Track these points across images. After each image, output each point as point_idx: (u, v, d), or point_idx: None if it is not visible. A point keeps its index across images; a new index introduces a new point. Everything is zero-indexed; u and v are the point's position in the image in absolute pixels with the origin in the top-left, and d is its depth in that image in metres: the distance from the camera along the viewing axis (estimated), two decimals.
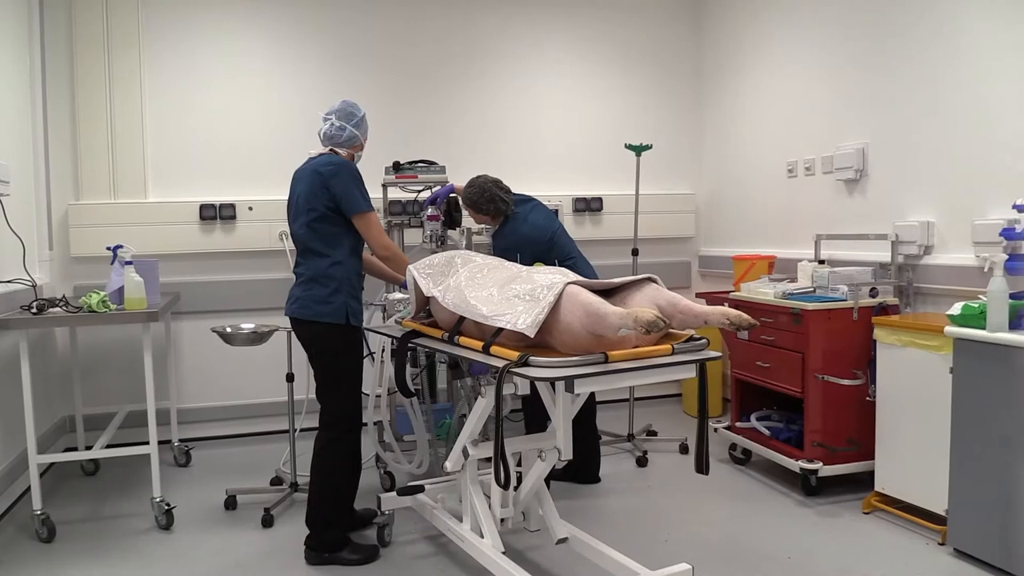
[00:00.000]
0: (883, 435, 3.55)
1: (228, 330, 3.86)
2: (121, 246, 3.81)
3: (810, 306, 3.70)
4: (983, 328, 2.95)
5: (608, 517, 3.63)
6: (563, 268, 2.88)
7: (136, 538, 3.50)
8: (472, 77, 5.41)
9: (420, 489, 3.35)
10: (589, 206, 5.56)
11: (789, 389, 3.87)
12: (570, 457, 2.63)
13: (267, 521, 3.59)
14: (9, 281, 3.77)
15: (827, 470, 3.70)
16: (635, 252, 4.78)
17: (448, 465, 2.94)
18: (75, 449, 4.44)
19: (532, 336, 2.38)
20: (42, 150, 4.58)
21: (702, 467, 2.58)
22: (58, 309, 3.59)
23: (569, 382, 2.26)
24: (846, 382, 3.66)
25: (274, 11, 5.06)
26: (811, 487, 3.77)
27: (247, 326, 3.89)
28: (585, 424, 3.86)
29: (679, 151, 5.84)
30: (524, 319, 2.42)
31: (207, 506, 3.83)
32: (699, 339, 2.53)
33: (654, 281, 2.65)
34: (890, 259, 3.90)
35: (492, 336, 2.56)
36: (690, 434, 4.77)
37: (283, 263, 4.90)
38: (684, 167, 5.89)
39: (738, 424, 4.32)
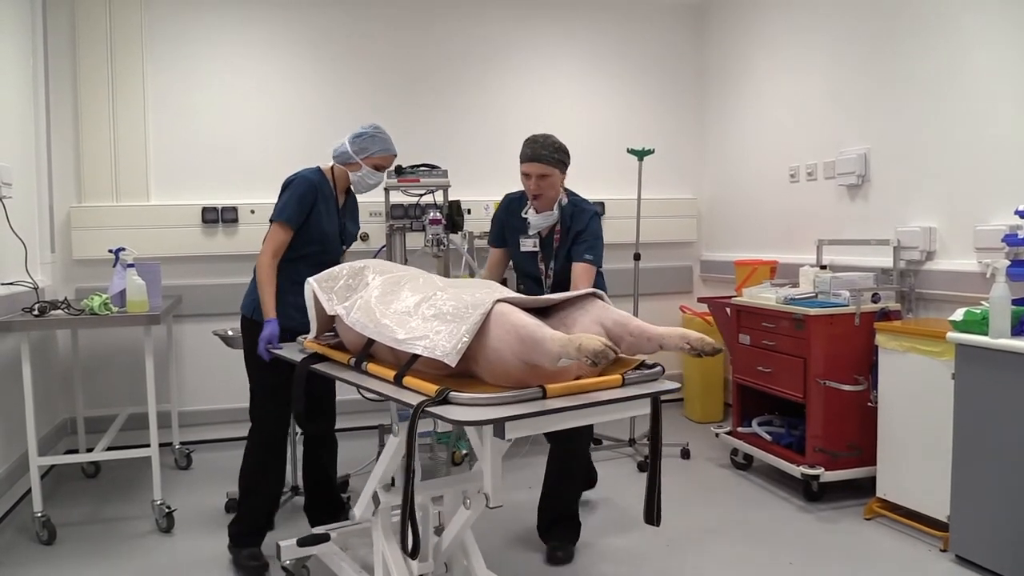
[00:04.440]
0: (885, 441, 3.55)
1: (230, 333, 3.86)
2: (123, 249, 3.81)
3: (812, 311, 3.70)
4: (985, 334, 2.94)
5: (608, 521, 3.62)
6: (491, 282, 2.53)
7: (137, 541, 3.49)
8: (474, 81, 5.41)
9: (325, 538, 2.93)
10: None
11: (791, 394, 3.87)
12: (500, 504, 2.20)
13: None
14: (11, 283, 3.77)
15: (828, 476, 3.69)
16: (637, 257, 4.78)
17: (356, 512, 2.59)
18: (76, 451, 4.44)
19: (453, 365, 2.03)
20: (44, 152, 4.59)
21: (652, 517, 2.25)
22: (60, 311, 3.59)
23: (499, 426, 1.89)
24: (848, 387, 3.66)
25: (276, 15, 5.06)
26: (812, 493, 3.76)
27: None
28: (574, 439, 3.31)
29: (681, 155, 5.84)
30: (444, 345, 2.06)
31: (208, 509, 3.83)
32: (652, 366, 2.19)
33: (599, 298, 2.30)
34: (892, 264, 3.90)
35: (407, 364, 2.18)
36: (692, 438, 4.76)
37: None
38: (686, 171, 5.89)
39: (739, 429, 4.31)
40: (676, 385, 2.19)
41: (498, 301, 2.09)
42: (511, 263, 3.52)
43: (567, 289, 3.09)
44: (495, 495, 2.20)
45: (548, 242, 3.31)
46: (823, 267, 4.23)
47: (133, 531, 3.60)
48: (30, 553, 3.37)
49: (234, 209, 4.92)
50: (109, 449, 3.87)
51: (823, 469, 3.69)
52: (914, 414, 3.38)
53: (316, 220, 3.14)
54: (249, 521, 3.20)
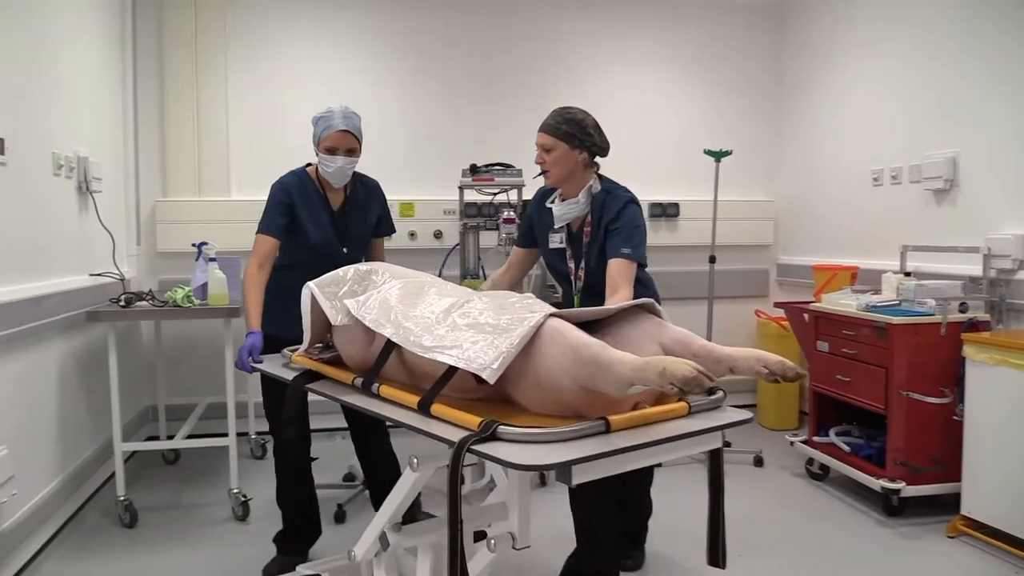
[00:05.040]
0: (971, 457, 3.41)
1: None
2: (205, 243, 3.91)
3: (895, 320, 3.58)
4: None
5: (680, 531, 3.57)
6: (529, 295, 2.13)
7: (213, 527, 3.59)
8: (551, 81, 5.40)
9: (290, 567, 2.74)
10: (665, 212, 5.49)
11: (871, 405, 3.75)
12: (528, 545, 1.96)
13: (339, 516, 3.64)
14: (100, 274, 3.91)
15: (910, 490, 3.57)
16: (712, 259, 4.70)
17: (356, 552, 2.29)
18: (157, 438, 4.58)
19: (492, 382, 1.73)
20: (132, 149, 4.75)
21: (717, 559, 1.98)
22: (145, 303, 3.71)
23: (565, 470, 1.56)
24: (932, 400, 3.53)
25: (354, 15, 5.13)
26: (892, 507, 3.64)
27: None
28: (624, 490, 2.90)
29: (758, 157, 5.72)
30: (481, 357, 1.75)
31: None
32: (714, 392, 1.89)
33: (653, 312, 1.99)
34: (981, 273, 3.75)
35: (435, 388, 1.85)
36: (765, 445, 4.65)
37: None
38: (763, 173, 5.77)
39: (816, 438, 4.20)
40: (749, 415, 1.90)
41: (551, 315, 1.80)
42: (544, 263, 3.12)
43: (600, 291, 2.69)
44: (523, 534, 1.98)
45: (577, 237, 2.87)
46: (907, 274, 4.09)
47: (210, 517, 3.70)
48: (113, 535, 3.49)
49: None
50: (189, 437, 3.98)
51: (904, 483, 3.57)
52: (1004, 430, 3.24)
53: (298, 225, 3.00)
54: (289, 531, 3.20)
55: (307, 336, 2.38)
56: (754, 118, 5.73)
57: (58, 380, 3.50)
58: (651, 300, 1.99)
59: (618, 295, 2.56)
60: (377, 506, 3.27)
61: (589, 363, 1.65)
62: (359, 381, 2.11)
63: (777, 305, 4.78)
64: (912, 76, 4.42)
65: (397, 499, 2.13)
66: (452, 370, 1.84)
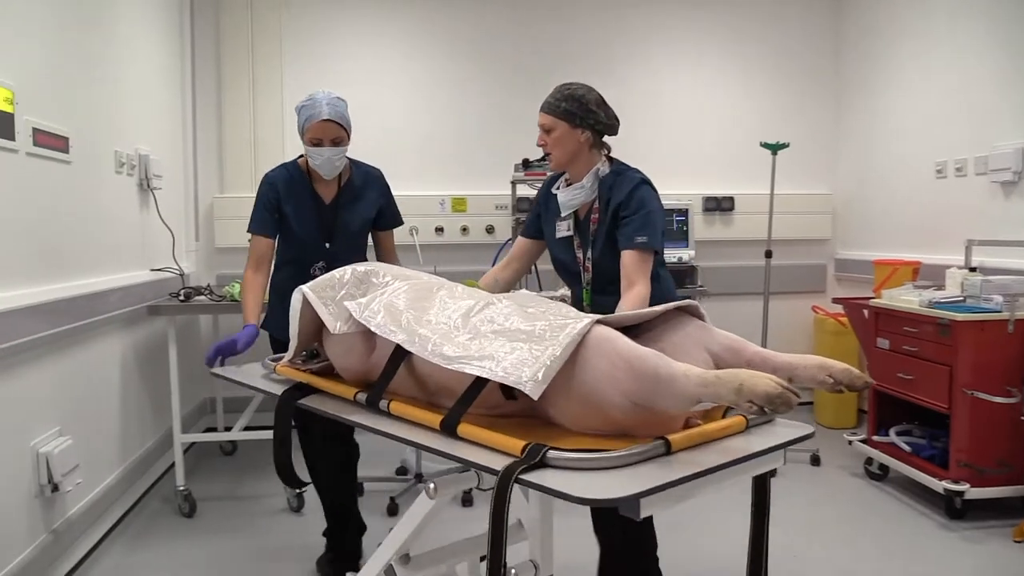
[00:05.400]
0: None
1: None
2: None
3: (960, 316, 3.47)
4: None
5: (732, 530, 3.52)
6: (560, 302, 1.92)
7: (269, 518, 3.65)
8: (602, 75, 5.33)
9: None
10: (720, 205, 5.41)
11: (934, 404, 3.65)
12: (550, 574, 1.79)
13: (392, 509, 3.67)
14: (160, 269, 4.00)
15: (974, 492, 3.46)
16: (768, 254, 4.62)
17: None
18: (215, 430, 4.67)
19: (536, 397, 1.52)
20: (191, 146, 4.84)
21: None
22: (203, 297, 3.79)
23: (632, 502, 1.32)
24: (999, 399, 3.42)
25: (405, 14, 5.16)
26: (955, 510, 3.54)
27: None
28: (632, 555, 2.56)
29: (816, 149, 5.60)
30: (521, 369, 1.54)
31: None
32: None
33: (696, 314, 1.78)
34: None
35: (461, 404, 1.64)
36: (822, 444, 4.55)
37: (412, 257, 4.98)
38: (821, 166, 5.65)
39: (875, 438, 4.10)
40: (811, 429, 1.68)
41: (597, 322, 1.61)
42: (551, 259, 2.76)
43: (608, 285, 2.48)
44: (546, 563, 1.81)
45: (584, 225, 2.57)
46: (972, 269, 3.96)
47: (266, 508, 3.76)
48: (172, 524, 3.57)
49: None
50: (246, 429, 4.05)
51: (968, 485, 3.46)
52: None
53: (286, 221, 2.88)
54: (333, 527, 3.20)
55: (293, 344, 2.12)
56: (811, 109, 5.61)
57: (120, 373, 3.59)
58: (694, 302, 1.78)
59: (634, 291, 2.32)
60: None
61: (646, 377, 1.47)
62: (362, 396, 1.88)
63: (835, 301, 4.68)
64: (977, 65, 4.27)
65: (408, 528, 1.91)
66: (480, 384, 1.63)
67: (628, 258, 2.38)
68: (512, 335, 1.67)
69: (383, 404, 1.81)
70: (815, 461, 4.39)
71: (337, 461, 3.12)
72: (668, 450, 1.46)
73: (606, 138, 2.61)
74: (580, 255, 2.57)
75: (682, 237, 4.86)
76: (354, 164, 3.01)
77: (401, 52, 5.17)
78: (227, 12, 4.95)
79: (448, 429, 1.62)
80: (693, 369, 1.46)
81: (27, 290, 2.70)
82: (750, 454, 1.51)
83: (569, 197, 2.55)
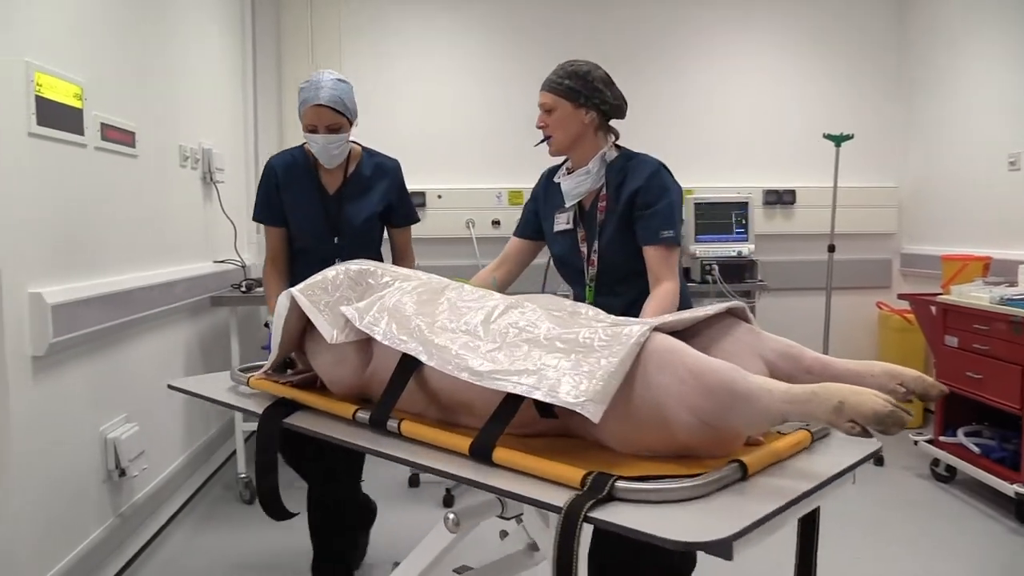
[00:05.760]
0: None
1: None
2: None
3: None
4: None
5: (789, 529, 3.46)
6: (583, 304, 1.72)
7: None
8: (661, 67, 5.29)
9: None
10: (781, 199, 5.31)
11: (1005, 404, 3.52)
12: None
13: (448, 501, 3.69)
14: (222, 261, 4.08)
15: None
16: (831, 248, 4.52)
17: None
18: None
19: (597, 420, 1.32)
20: (252, 140, 4.94)
21: None
22: (263, 288, 3.85)
23: (724, 544, 1.10)
24: None
25: (463, 10, 5.16)
26: None
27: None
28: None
29: (881, 141, 5.45)
30: (575, 385, 1.35)
31: (393, 483, 3.98)
32: None
33: (742, 318, 1.61)
34: None
35: (495, 424, 1.43)
36: (886, 443, 4.43)
37: (470, 251, 5.00)
38: (886, 158, 5.49)
39: (942, 438, 3.98)
40: (878, 444, 1.52)
41: (654, 329, 1.42)
42: (551, 257, 2.51)
43: (618, 282, 2.29)
44: None
45: (590, 216, 2.32)
46: None
47: None
48: (233, 510, 3.65)
49: (422, 194, 5.07)
50: None
51: None
52: None
53: (289, 210, 2.70)
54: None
55: (274, 353, 1.89)
56: (877, 100, 5.45)
57: (184, 361, 3.68)
58: (741, 303, 1.60)
59: (663, 287, 2.15)
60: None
61: (721, 393, 1.29)
62: (363, 414, 1.65)
63: (901, 297, 4.55)
64: None
65: (421, 564, 1.70)
66: (514, 402, 1.42)
67: (654, 254, 2.19)
68: (549, 345, 1.47)
69: (392, 424, 1.59)
70: (879, 461, 4.28)
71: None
72: (745, 474, 1.30)
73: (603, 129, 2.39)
74: (584, 249, 2.33)
75: (742, 231, 4.78)
76: (368, 153, 2.79)
77: (459, 46, 5.19)
78: (288, 9, 5.03)
79: (480, 454, 1.40)
80: (775, 383, 1.29)
81: (96, 280, 2.77)
82: (832, 476, 1.36)
83: (574, 185, 2.31)
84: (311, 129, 2.56)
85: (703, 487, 1.24)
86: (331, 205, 2.69)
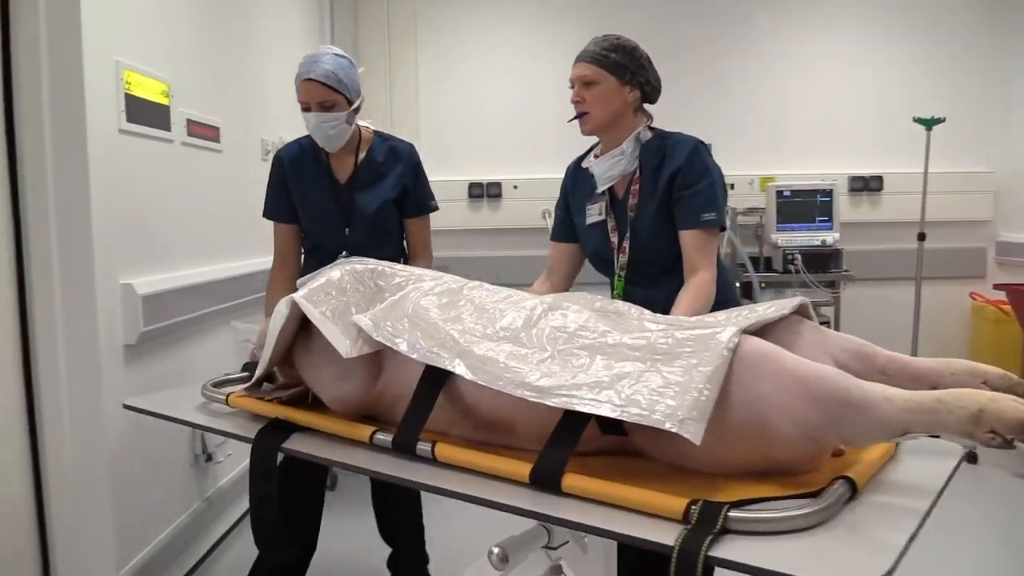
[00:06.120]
0: None
1: None
2: None
3: None
4: None
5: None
6: (623, 303, 1.55)
7: None
8: (741, 50, 5.16)
9: None
10: (868, 185, 5.13)
11: None
12: None
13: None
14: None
15: None
16: (922, 237, 4.35)
17: None
18: None
19: (699, 441, 1.12)
20: None
21: None
22: None
23: None
24: None
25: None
26: None
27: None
28: None
29: (976, 124, 5.20)
30: (672, 397, 1.16)
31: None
32: None
33: (804, 314, 1.46)
34: None
35: (555, 447, 1.22)
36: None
37: (545, 241, 4.96)
38: (980, 142, 5.24)
39: None
40: (962, 450, 1.42)
41: (742, 331, 1.27)
42: (585, 253, 2.31)
43: (652, 272, 2.10)
44: None
45: (621, 204, 2.13)
46: None
47: None
48: None
49: (498, 184, 5.09)
50: None
51: None
52: None
53: (298, 202, 2.48)
54: None
55: (263, 367, 1.66)
56: (971, 81, 5.20)
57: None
58: (806, 300, 1.46)
59: (698, 277, 1.96)
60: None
61: (830, 402, 1.14)
62: (383, 437, 1.41)
63: (997, 287, 4.35)
64: None
65: None
66: (579, 420, 1.23)
67: (691, 239, 2.00)
68: (615, 352, 1.29)
69: (423, 448, 1.36)
70: (971, 459, 4.10)
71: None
72: (855, 492, 1.16)
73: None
74: (615, 239, 2.14)
75: (826, 219, 4.65)
76: (380, 138, 2.56)
77: (533, 37, 5.17)
78: (365, 4, 5.10)
79: (547, 482, 1.20)
80: (894, 390, 1.15)
81: (182, 272, 2.86)
82: (943, 487, 1.23)
83: (607, 167, 2.11)
84: (305, 107, 2.36)
85: (823, 512, 1.08)
86: (342, 194, 2.46)
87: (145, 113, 2.61)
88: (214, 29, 3.25)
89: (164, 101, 2.75)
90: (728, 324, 1.30)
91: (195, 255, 3.01)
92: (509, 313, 1.47)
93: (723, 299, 2.02)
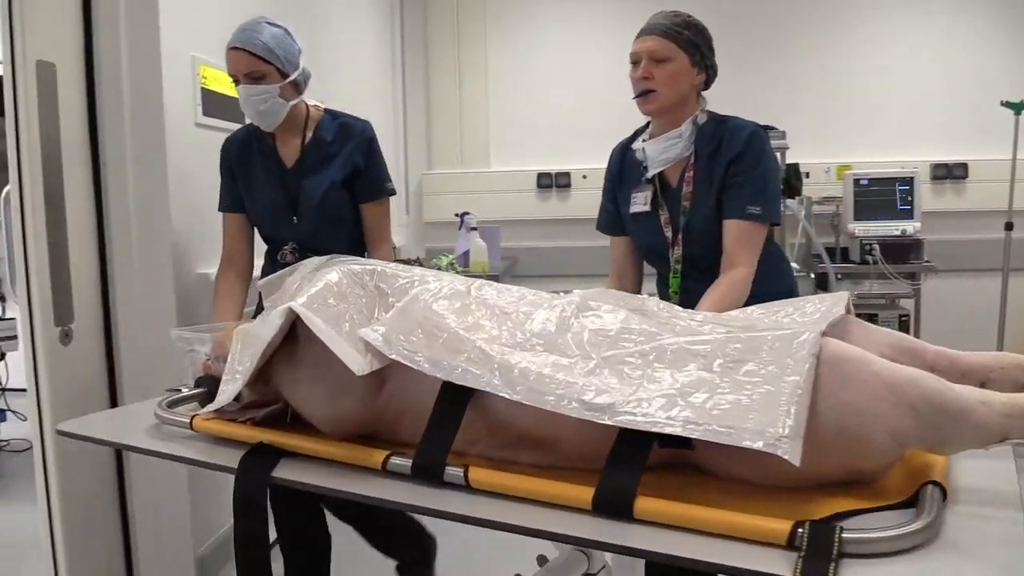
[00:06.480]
0: None
1: (562, 295, 4.00)
2: (468, 213, 4.08)
3: None
4: None
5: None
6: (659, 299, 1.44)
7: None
8: (819, 32, 5.01)
9: None
10: (951, 173, 4.93)
11: None
12: None
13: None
14: None
15: None
16: (1009, 226, 4.17)
17: None
18: None
19: (798, 462, 0.97)
20: (401, 126, 5.08)
21: None
22: None
23: None
24: None
25: None
26: None
27: (579, 293, 4.01)
28: None
29: None
30: (757, 412, 1.02)
31: None
32: None
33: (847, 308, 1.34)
34: None
35: (619, 467, 1.05)
36: None
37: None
38: None
39: None
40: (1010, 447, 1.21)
41: (822, 332, 1.13)
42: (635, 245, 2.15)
43: (709, 267, 1.93)
44: None
45: (675, 193, 1.98)
46: None
47: None
48: None
49: (567, 174, 5.06)
50: None
51: None
52: None
53: (244, 190, 2.25)
54: None
55: (238, 385, 1.35)
56: None
57: None
58: (846, 293, 1.35)
59: (734, 272, 1.85)
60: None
61: (926, 409, 1.04)
62: (400, 461, 1.19)
63: None
64: None
65: None
66: (643, 438, 1.06)
67: (734, 230, 1.89)
68: (675, 358, 1.14)
69: (453, 473, 1.15)
70: None
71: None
72: (945, 499, 1.04)
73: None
74: (668, 230, 1.99)
75: (907, 208, 4.49)
76: (331, 115, 2.31)
77: (601, 26, 5.10)
78: (434, 1, 5.13)
79: (615, 507, 1.03)
80: (990, 394, 1.05)
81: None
82: None
83: (661, 149, 1.96)
84: (234, 80, 2.13)
85: (932, 527, 0.96)
86: (289, 180, 2.22)
87: (220, 106, 2.67)
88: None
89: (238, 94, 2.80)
90: (804, 325, 1.20)
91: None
92: (537, 316, 1.30)
93: (788, 289, 1.98)
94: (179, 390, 1.59)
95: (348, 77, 4.05)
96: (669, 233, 1.99)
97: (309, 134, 2.23)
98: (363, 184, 2.28)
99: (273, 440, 1.29)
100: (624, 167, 2.11)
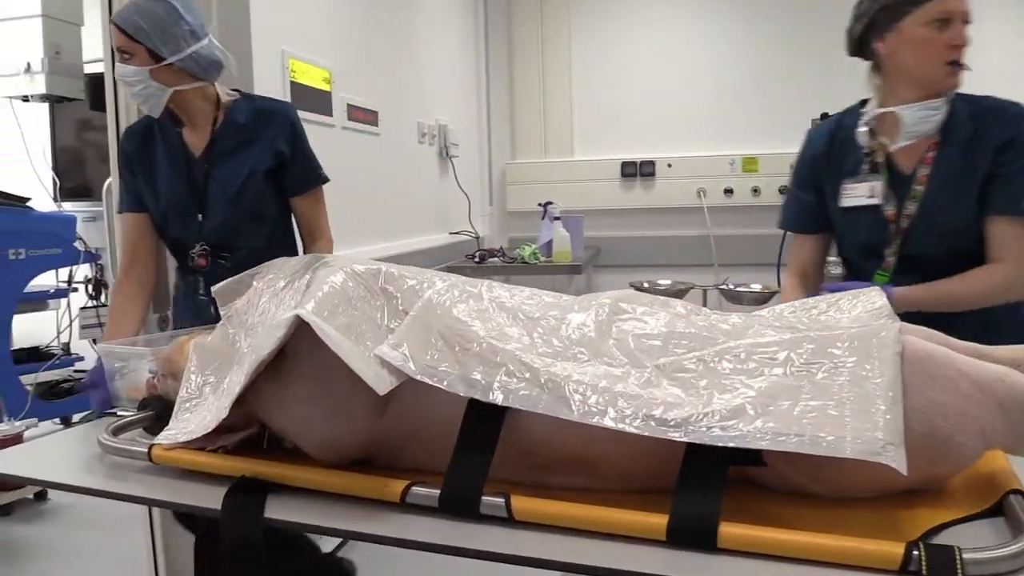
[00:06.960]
0: None
1: (645, 285, 3.95)
2: (551, 203, 4.07)
3: None
4: None
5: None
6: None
7: None
8: None
9: None
10: None
11: None
12: None
13: None
14: (457, 232, 4.25)
15: None
16: None
17: None
18: None
19: (906, 472, 0.87)
20: (485, 116, 5.10)
21: None
22: (496, 259, 3.98)
23: None
24: None
25: None
26: None
27: (664, 282, 3.95)
28: None
29: None
30: (853, 418, 0.91)
31: None
32: None
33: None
34: None
35: (689, 488, 0.92)
36: None
37: (700, 220, 4.86)
38: None
39: None
40: None
41: (901, 327, 1.05)
42: (838, 244, 1.91)
43: (931, 272, 1.67)
44: None
45: (906, 181, 1.71)
46: None
47: None
48: None
49: (651, 163, 4.98)
50: None
51: None
52: None
53: (145, 184, 1.96)
54: None
55: (222, 413, 1.10)
56: None
57: None
58: (876, 287, 1.24)
59: (998, 268, 1.63)
60: None
61: (1015, 407, 0.97)
62: (425, 491, 1.00)
63: None
64: None
65: None
66: (717, 455, 0.93)
67: (1002, 229, 1.63)
68: (742, 363, 1.01)
69: (492, 502, 0.97)
70: None
71: None
72: None
73: None
74: (894, 226, 1.72)
75: None
76: (246, 99, 2.01)
77: (683, 15, 5.00)
78: None
79: (697, 535, 0.90)
80: None
81: (343, 251, 2.98)
82: None
83: (920, 117, 1.65)
84: (120, 52, 1.83)
85: None
86: (196, 171, 1.94)
87: (309, 99, 2.73)
88: (373, 18, 3.35)
89: (326, 87, 2.86)
90: (886, 321, 1.10)
91: (357, 234, 3.12)
92: (571, 320, 1.14)
93: None
94: (113, 414, 1.32)
95: (432, 67, 4.08)
96: (893, 227, 1.72)
97: (221, 117, 1.94)
98: (293, 175, 2.00)
99: (260, 472, 1.07)
100: (834, 148, 1.80)
